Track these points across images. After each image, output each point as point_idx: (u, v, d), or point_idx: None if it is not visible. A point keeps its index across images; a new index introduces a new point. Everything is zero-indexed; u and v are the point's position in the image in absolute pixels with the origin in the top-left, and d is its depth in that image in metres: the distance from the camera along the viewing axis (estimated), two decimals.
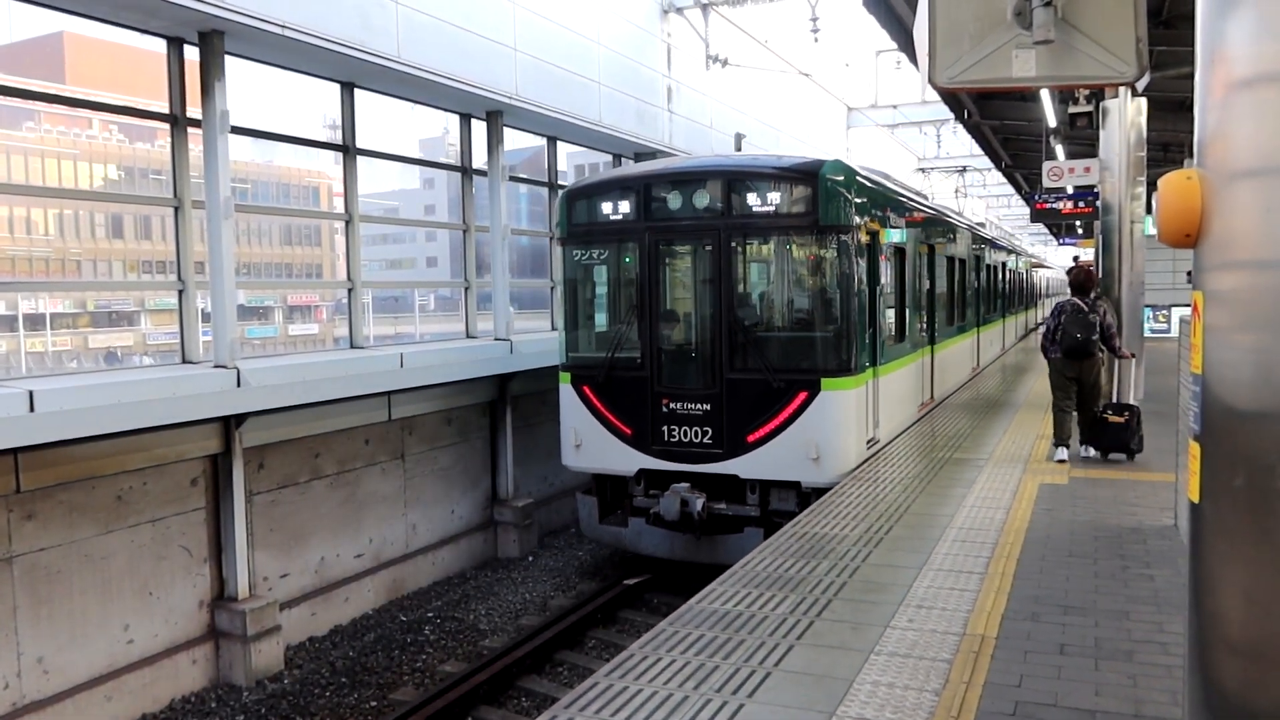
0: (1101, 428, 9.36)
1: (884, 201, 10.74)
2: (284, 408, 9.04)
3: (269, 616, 8.93)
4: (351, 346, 10.85)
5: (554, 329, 14.79)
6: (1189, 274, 13.48)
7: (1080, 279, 9.58)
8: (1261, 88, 1.62)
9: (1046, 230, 49.80)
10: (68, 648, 7.82)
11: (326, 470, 10.19)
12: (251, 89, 9.96)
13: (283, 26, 8.70)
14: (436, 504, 11.82)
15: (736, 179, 9.68)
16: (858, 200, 9.50)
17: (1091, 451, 9.70)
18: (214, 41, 8.59)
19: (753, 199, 9.49)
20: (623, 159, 17.10)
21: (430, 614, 10.39)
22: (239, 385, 8.53)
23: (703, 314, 9.84)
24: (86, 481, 7.85)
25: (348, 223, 10.78)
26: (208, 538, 8.91)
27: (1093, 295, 9.52)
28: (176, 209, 8.75)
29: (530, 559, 12.38)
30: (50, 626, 7.69)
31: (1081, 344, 9.32)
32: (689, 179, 9.88)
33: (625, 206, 10.00)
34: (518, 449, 13.02)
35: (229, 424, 8.78)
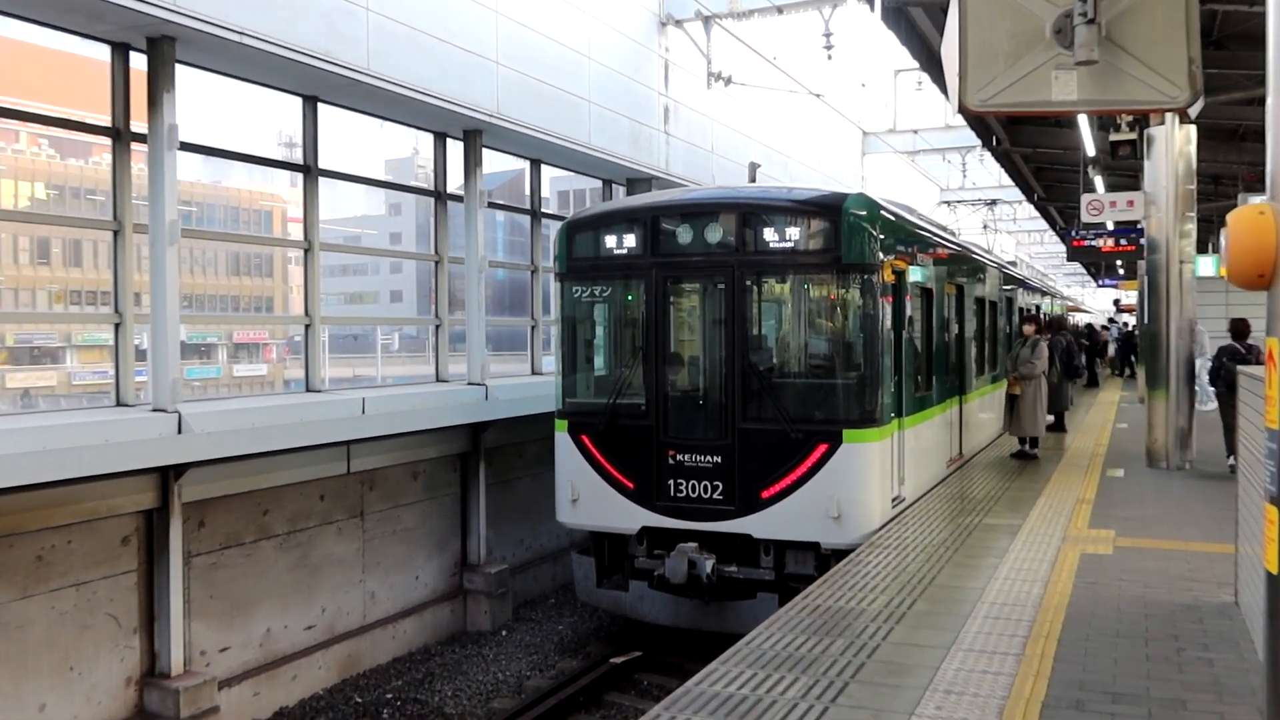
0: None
1: (910, 238, 10.90)
2: (230, 458, 8.99)
3: (205, 696, 8.79)
4: (307, 389, 10.83)
5: (534, 373, 14.80)
6: (1233, 322, 14.09)
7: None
8: None
9: (1084, 270, 50.35)
10: None
11: (276, 529, 10.11)
12: (201, 101, 10.06)
13: (241, 33, 8.81)
14: (399, 569, 11.72)
15: (752, 212, 9.86)
16: (882, 236, 9.67)
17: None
18: (164, 48, 8.68)
19: (769, 234, 9.68)
20: (614, 185, 17.25)
21: (389, 695, 10.25)
22: (180, 431, 8.49)
23: (713, 358, 9.97)
24: (3, 539, 7.77)
25: (306, 251, 10.81)
26: (139, 605, 8.80)
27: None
28: (116, 233, 8.77)
29: (504, 633, 12.25)
30: None
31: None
32: (701, 211, 10.07)
33: (631, 240, 10.17)
34: (492, 508, 12.96)
35: (167, 475, 8.72)
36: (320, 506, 10.63)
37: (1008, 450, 14.54)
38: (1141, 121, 13.25)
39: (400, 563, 11.74)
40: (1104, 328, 39.13)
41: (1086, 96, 5.01)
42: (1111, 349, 36.00)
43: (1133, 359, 32.27)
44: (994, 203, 31.47)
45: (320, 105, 10.91)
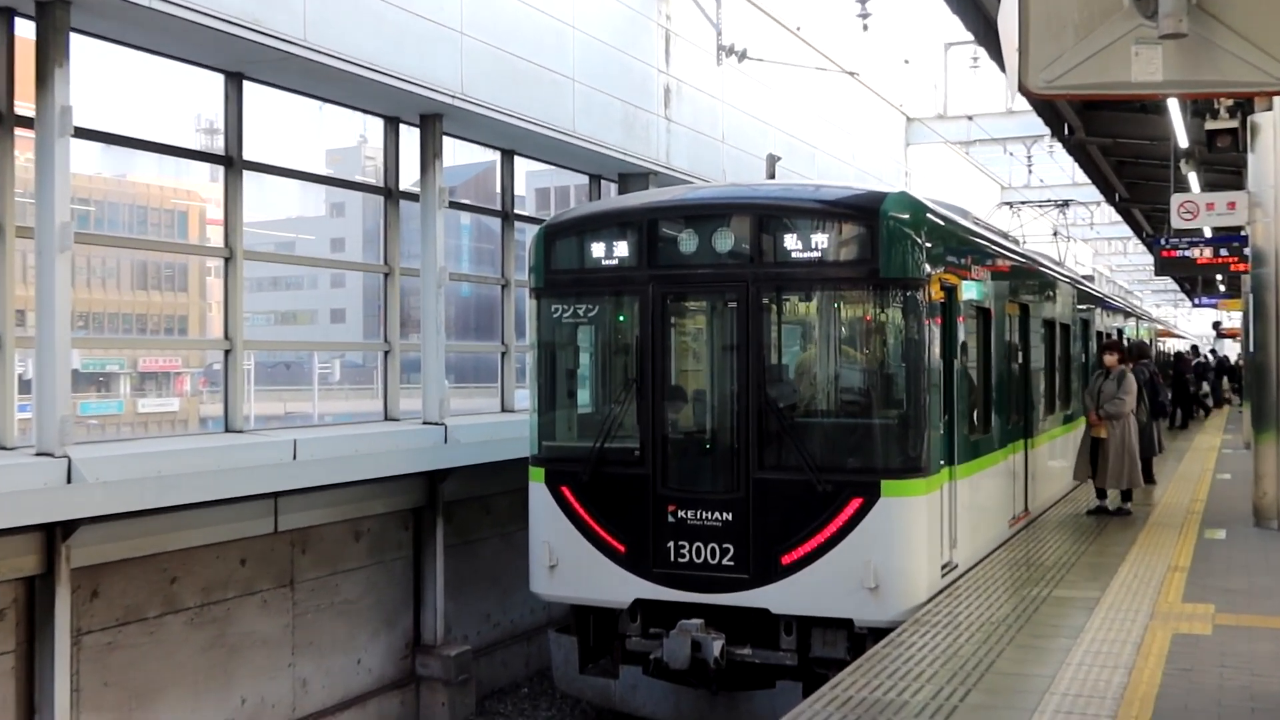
0: None
1: (963, 247, 10.97)
2: (131, 513, 8.95)
3: None
4: (226, 429, 10.82)
5: (505, 410, 14.79)
6: None
7: None
8: None
9: (1176, 286, 50.56)
10: None
11: (186, 601, 10.05)
12: (101, 79, 10.09)
13: None
14: (337, 651, 11.65)
15: (771, 215, 9.90)
16: (929, 245, 9.71)
17: None
18: (56, 14, 8.71)
19: (792, 242, 9.70)
20: (603, 181, 17.31)
21: None
22: (70, 480, 8.45)
23: (723, 392, 9.98)
24: None
25: (228, 260, 10.84)
26: (15, 694, 8.71)
27: None
28: None
29: None
30: None
31: None
32: (708, 213, 10.12)
33: (623, 248, 10.19)
34: (451, 575, 12.91)
35: (53, 534, 8.66)
36: (241, 573, 10.57)
37: (1082, 506, 14.54)
38: (1244, 106, 13.33)
39: (339, 642, 11.67)
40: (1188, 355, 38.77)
41: (1174, 77, 5.03)
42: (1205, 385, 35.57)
43: (1206, 396, 31.88)
44: (1066, 204, 31.58)
45: (246, 84, 10.95)
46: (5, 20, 8.85)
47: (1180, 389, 28.67)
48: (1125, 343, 21.49)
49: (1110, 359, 13.88)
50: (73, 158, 8.90)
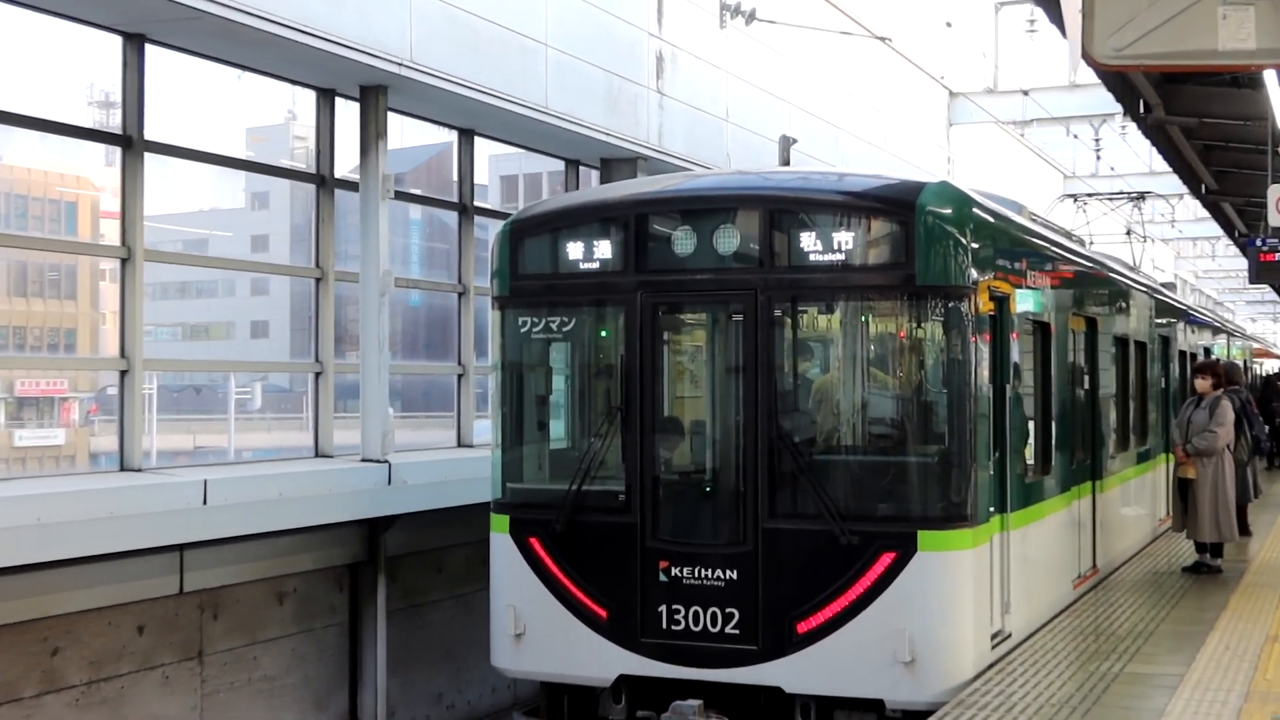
0: None
1: (1018, 249, 11.02)
2: (4, 569, 8.92)
3: None
4: (122, 468, 10.81)
5: (461, 444, 14.76)
6: None
7: None
8: None
9: (1275, 296, 50.80)
10: None
11: (71, 677, 10.01)
12: None
13: None
14: None
15: (784, 209, 9.92)
16: (976, 246, 9.72)
17: None
18: None
19: (810, 241, 9.69)
20: (582, 167, 17.33)
21: None
22: None
23: (726, 423, 9.98)
24: None
25: (125, 261, 10.84)
26: None
27: None
28: None
29: None
30: None
31: None
32: (709, 207, 10.16)
33: (605, 248, 10.19)
34: (395, 646, 12.88)
35: None
36: (138, 644, 10.54)
37: (1163, 562, 14.56)
38: None
39: None
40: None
41: (1270, 44, 5.06)
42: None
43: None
44: (1142, 197, 31.66)
45: (149, 47, 10.96)
46: None
47: (1271, 419, 28.77)
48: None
49: (1203, 383, 13.87)
50: None
